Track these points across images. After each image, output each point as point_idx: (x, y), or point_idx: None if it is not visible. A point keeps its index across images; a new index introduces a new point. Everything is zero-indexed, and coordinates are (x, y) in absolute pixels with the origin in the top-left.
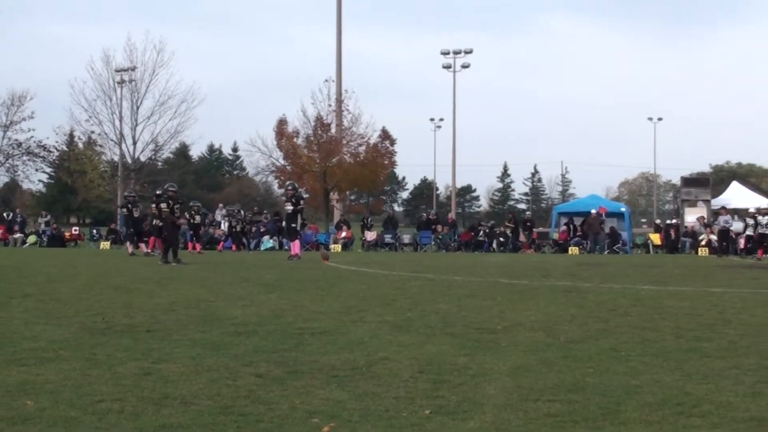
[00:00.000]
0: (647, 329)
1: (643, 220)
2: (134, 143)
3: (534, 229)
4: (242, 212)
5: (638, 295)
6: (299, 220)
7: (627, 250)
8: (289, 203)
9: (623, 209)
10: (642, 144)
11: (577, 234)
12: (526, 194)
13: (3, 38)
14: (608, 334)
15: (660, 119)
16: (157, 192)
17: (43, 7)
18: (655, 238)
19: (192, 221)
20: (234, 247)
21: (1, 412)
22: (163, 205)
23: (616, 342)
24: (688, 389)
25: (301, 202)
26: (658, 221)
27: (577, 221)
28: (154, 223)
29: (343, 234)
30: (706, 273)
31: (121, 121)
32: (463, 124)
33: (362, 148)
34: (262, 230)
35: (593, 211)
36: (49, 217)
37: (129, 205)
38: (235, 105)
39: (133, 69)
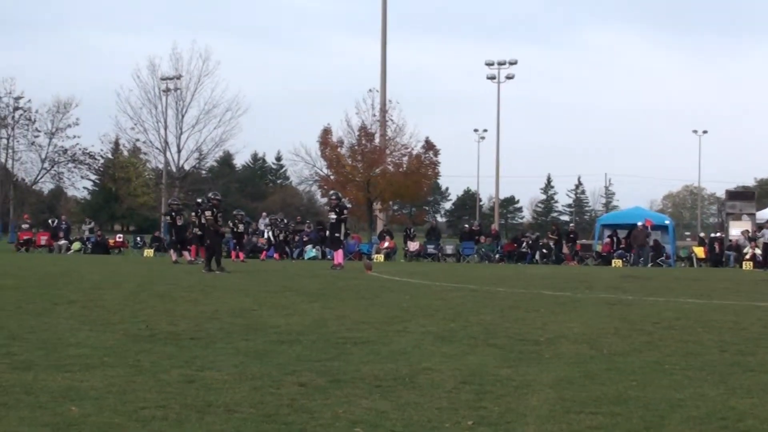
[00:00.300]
0: (691, 343)
1: (687, 233)
2: (179, 151)
3: (577, 241)
4: (285, 221)
5: (682, 308)
6: (343, 230)
7: (671, 263)
8: (333, 213)
9: (667, 222)
10: (686, 157)
11: (621, 246)
12: (569, 206)
13: (51, 47)
14: (652, 347)
15: (705, 132)
16: (198, 200)
17: (91, 16)
18: (699, 252)
19: (235, 230)
20: (277, 256)
21: (46, 417)
22: (208, 213)
23: (660, 355)
24: (732, 404)
25: (345, 211)
26: (702, 234)
27: (621, 233)
28: (194, 231)
29: (386, 244)
30: (750, 287)
31: (166, 129)
32: (506, 135)
33: (406, 159)
34: (305, 239)
35: (639, 223)
36: (93, 224)
37: (173, 213)
38: (280, 114)
39: (179, 78)
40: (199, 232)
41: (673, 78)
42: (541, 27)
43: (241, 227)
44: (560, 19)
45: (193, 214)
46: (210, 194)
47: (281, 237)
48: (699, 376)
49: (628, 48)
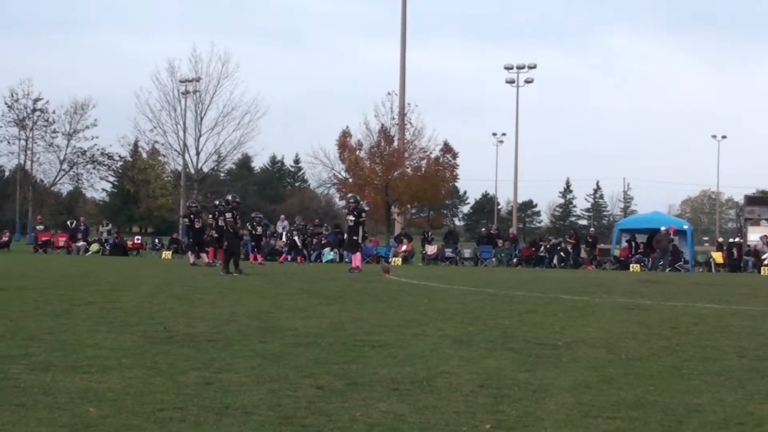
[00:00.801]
0: (709, 348)
1: (706, 239)
2: (197, 154)
3: (597, 245)
4: (304, 224)
5: (700, 313)
6: (361, 233)
7: (689, 267)
8: (351, 216)
9: (686, 227)
10: (705, 161)
11: (639, 251)
12: (587, 210)
13: (69, 49)
14: (670, 352)
15: (724, 137)
16: (216, 202)
17: (110, 18)
18: (718, 257)
19: (254, 232)
20: (299, 259)
21: (64, 418)
22: (228, 215)
23: (678, 360)
24: (750, 409)
25: (363, 214)
26: (720, 239)
27: (640, 238)
28: (212, 233)
29: (404, 247)
30: None
31: (184, 131)
32: (525, 139)
33: (424, 162)
34: (323, 242)
35: (663, 228)
36: (110, 225)
37: (191, 216)
38: (298, 117)
39: (198, 80)
40: (217, 235)
41: (693, 82)
42: (561, 31)
43: (259, 230)
44: (579, 22)
45: (211, 216)
46: (229, 197)
47: (299, 241)
48: (717, 381)
49: (647, 52)
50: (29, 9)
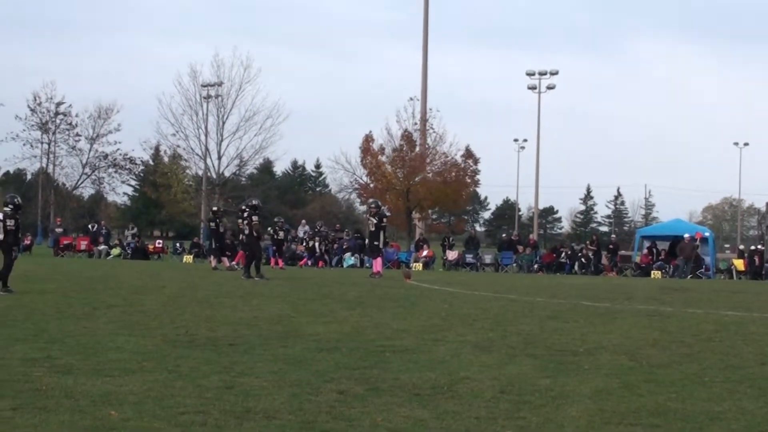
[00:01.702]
0: (731, 355)
1: (727, 246)
2: (219, 158)
3: (618, 252)
4: (325, 230)
5: (722, 320)
6: (382, 238)
7: (710, 275)
8: (372, 220)
9: (707, 234)
10: (727, 169)
11: (660, 258)
12: (608, 217)
13: (93, 53)
14: (691, 359)
15: (746, 144)
16: (242, 206)
17: (134, 22)
18: (739, 264)
19: (276, 237)
20: (321, 264)
21: (85, 422)
22: (255, 218)
23: (700, 367)
24: None
25: (384, 219)
26: (741, 247)
27: (661, 245)
28: (240, 237)
29: (425, 253)
30: None
31: (206, 135)
32: (546, 145)
33: (445, 167)
34: (344, 247)
35: (687, 235)
36: (135, 229)
37: (217, 220)
38: (319, 122)
39: (220, 84)
40: (245, 239)
41: (715, 89)
42: (583, 36)
43: (281, 234)
44: (602, 28)
45: (239, 220)
46: (255, 201)
47: (322, 247)
48: (739, 389)
49: (669, 58)
50: (52, 12)
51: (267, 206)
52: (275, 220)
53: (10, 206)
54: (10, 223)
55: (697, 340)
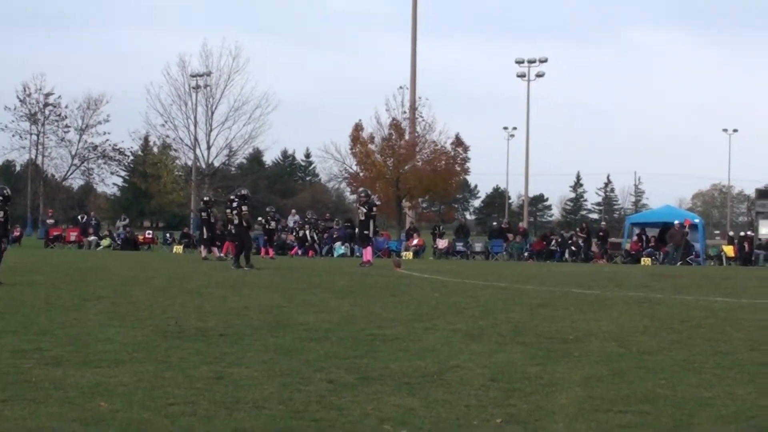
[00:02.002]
0: (720, 341)
1: (717, 232)
2: (208, 148)
3: (608, 239)
4: (316, 219)
5: (711, 307)
6: (372, 227)
7: (700, 261)
8: (362, 209)
9: (697, 220)
10: (716, 155)
11: (650, 245)
12: (598, 204)
13: (82, 44)
14: (681, 345)
15: (735, 131)
16: (231, 196)
17: (122, 13)
18: (729, 250)
19: (267, 227)
20: (311, 253)
21: (74, 413)
22: (245, 208)
23: (689, 354)
24: (761, 402)
25: (374, 208)
26: (731, 233)
27: (651, 232)
28: (229, 227)
29: (415, 241)
30: None
31: (195, 125)
32: (536, 133)
33: (435, 155)
34: (334, 236)
35: (677, 221)
36: (127, 220)
37: (208, 210)
38: (309, 111)
39: (209, 74)
40: (234, 229)
41: (704, 75)
42: (572, 24)
43: (273, 224)
44: (591, 16)
45: (228, 210)
46: (244, 190)
47: (312, 235)
48: (728, 374)
49: (658, 45)
50: (41, 3)
51: (257, 196)
52: (267, 209)
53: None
54: (0, 214)
55: (686, 326)
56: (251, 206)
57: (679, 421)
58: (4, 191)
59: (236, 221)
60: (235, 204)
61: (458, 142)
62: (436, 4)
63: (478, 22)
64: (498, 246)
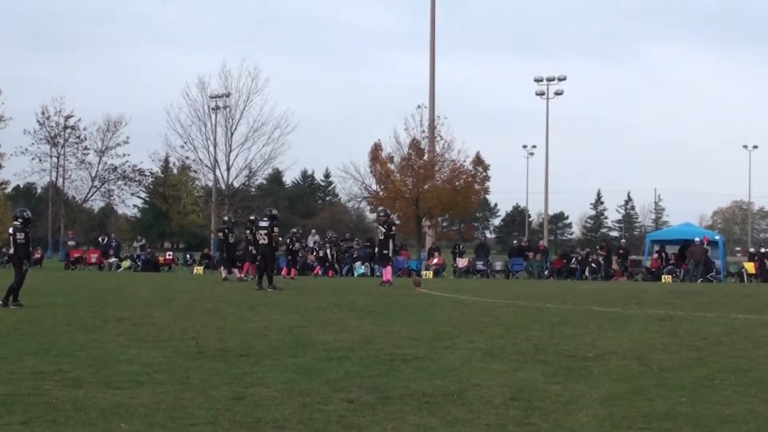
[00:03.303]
0: (741, 359)
1: (738, 249)
2: (228, 169)
3: (628, 257)
4: (336, 236)
5: (732, 324)
6: (391, 246)
7: (721, 278)
8: (382, 228)
9: (717, 237)
10: (736, 171)
11: (670, 262)
12: (619, 222)
13: (99, 65)
14: (702, 363)
15: (755, 147)
16: (251, 217)
17: (139, 34)
18: (750, 267)
19: (291, 247)
20: (331, 273)
21: None
22: (276, 229)
23: (710, 371)
24: None
25: (393, 228)
26: (752, 250)
27: (670, 249)
28: (249, 248)
29: (435, 260)
30: None
31: (215, 146)
32: (556, 151)
33: (455, 174)
34: (354, 256)
35: (697, 239)
36: (144, 240)
37: (226, 230)
38: (328, 131)
39: (228, 95)
40: (254, 250)
41: (724, 92)
42: (590, 42)
43: (297, 245)
44: (609, 34)
45: (248, 231)
46: (274, 211)
47: (331, 255)
48: (749, 392)
49: (677, 62)
50: (60, 26)
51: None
52: (292, 230)
53: (20, 220)
54: (20, 236)
55: (707, 343)
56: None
57: None
58: (25, 213)
59: (266, 241)
60: (263, 224)
61: (478, 160)
62: (454, 22)
63: (496, 40)
64: (518, 264)
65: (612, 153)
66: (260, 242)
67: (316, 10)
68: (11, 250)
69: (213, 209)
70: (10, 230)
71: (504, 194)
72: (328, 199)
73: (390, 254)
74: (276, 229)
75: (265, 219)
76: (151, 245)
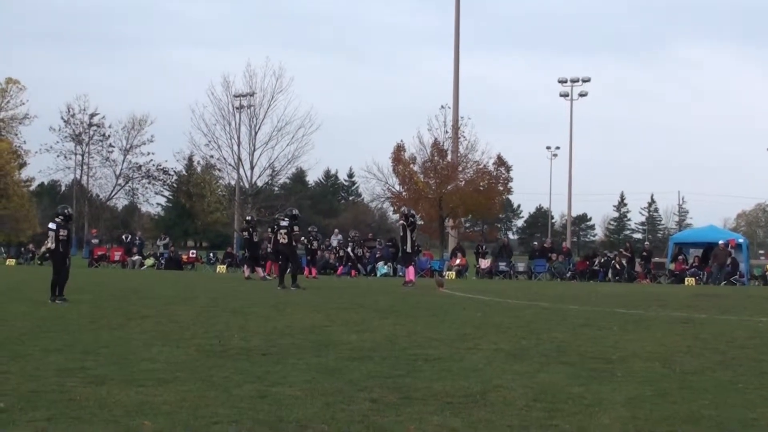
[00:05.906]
0: (765, 362)
1: (761, 252)
2: (251, 168)
3: (652, 259)
4: (359, 236)
5: (756, 327)
6: (410, 242)
7: (744, 281)
8: (401, 222)
9: (741, 240)
10: (760, 175)
11: (694, 264)
12: (642, 224)
13: (124, 63)
14: (725, 366)
15: None
16: (276, 216)
17: (164, 33)
18: None
19: (310, 246)
20: (353, 273)
21: (119, 431)
22: (296, 228)
23: (734, 374)
24: None
25: (410, 219)
26: None
27: (694, 251)
28: (269, 247)
29: (458, 261)
30: None
31: (239, 145)
32: (579, 153)
33: (478, 175)
34: (377, 256)
35: (721, 242)
36: (167, 239)
37: (250, 229)
38: (352, 131)
39: (252, 94)
40: (273, 249)
41: (747, 94)
42: (616, 44)
43: (315, 244)
44: (634, 35)
45: (270, 230)
46: (295, 210)
47: (353, 254)
48: None
49: (702, 64)
50: (85, 25)
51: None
52: (309, 229)
53: (61, 216)
54: (63, 233)
55: (730, 346)
56: (299, 226)
57: None
58: (66, 210)
59: (286, 240)
60: (283, 223)
61: (500, 161)
62: (478, 22)
63: (521, 41)
64: (541, 266)
65: (635, 155)
66: (280, 241)
67: (342, 11)
68: (51, 245)
69: (236, 208)
70: (52, 226)
71: (527, 195)
72: (351, 199)
73: (409, 250)
74: (296, 229)
75: (286, 219)
76: (175, 244)
